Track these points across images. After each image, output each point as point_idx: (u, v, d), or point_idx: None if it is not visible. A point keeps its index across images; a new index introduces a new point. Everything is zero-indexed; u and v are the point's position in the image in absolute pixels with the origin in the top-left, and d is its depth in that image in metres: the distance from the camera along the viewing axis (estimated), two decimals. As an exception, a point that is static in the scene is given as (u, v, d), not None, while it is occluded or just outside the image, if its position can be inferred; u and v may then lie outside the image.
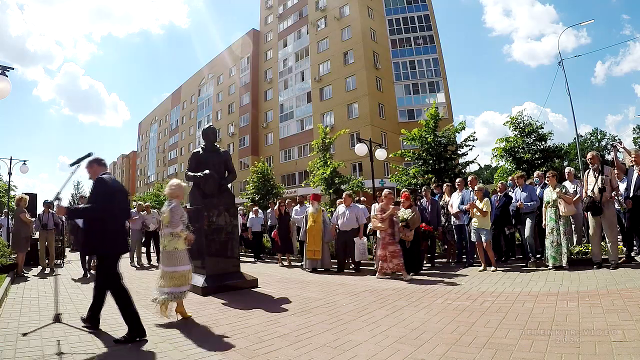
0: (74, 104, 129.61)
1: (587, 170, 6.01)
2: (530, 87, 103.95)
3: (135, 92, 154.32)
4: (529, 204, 6.56)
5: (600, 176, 5.67)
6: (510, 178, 8.47)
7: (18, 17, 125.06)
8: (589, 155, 5.98)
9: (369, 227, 7.50)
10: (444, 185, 8.26)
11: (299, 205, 9.61)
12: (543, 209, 6.28)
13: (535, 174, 7.83)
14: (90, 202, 3.55)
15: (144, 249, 10.52)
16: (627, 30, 79.99)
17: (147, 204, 11.59)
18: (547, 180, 6.35)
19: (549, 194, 6.15)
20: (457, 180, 7.83)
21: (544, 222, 6.21)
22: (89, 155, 3.74)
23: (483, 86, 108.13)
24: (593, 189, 5.68)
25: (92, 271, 7.50)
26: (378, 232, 6.66)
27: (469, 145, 11.41)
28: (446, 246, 8.28)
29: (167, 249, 4.09)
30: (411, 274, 6.26)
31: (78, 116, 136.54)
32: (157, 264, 9.89)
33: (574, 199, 6.16)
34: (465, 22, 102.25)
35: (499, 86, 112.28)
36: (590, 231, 5.88)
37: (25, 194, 9.22)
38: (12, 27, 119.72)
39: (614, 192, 5.74)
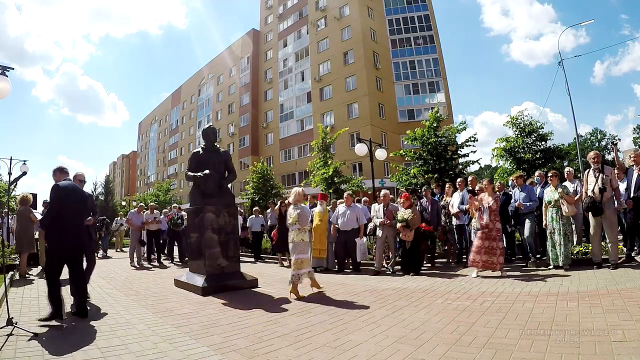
0: (73, 104, 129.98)
1: (587, 170, 5.99)
2: (529, 87, 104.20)
3: (134, 92, 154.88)
4: (527, 204, 6.55)
5: (600, 175, 5.65)
6: (511, 178, 8.47)
7: (16, 17, 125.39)
8: (591, 154, 5.93)
9: (369, 227, 7.50)
10: (446, 185, 8.25)
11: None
12: (543, 209, 6.26)
13: (537, 173, 7.82)
14: (49, 206, 4.29)
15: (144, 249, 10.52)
16: (626, 30, 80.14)
17: (151, 204, 11.70)
18: (549, 180, 6.33)
19: (550, 194, 6.13)
20: (458, 180, 7.82)
21: (544, 222, 6.20)
22: (24, 174, 5.09)
23: (481, 86, 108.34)
24: (593, 189, 5.66)
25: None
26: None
27: (470, 145, 11.42)
28: (446, 246, 8.28)
29: (296, 241, 5.24)
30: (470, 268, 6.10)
31: (77, 116, 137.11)
32: (157, 264, 9.92)
33: (575, 199, 6.15)
34: (463, 22, 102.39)
35: (498, 86, 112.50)
36: (591, 231, 5.86)
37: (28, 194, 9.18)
38: (10, 27, 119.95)
39: (614, 192, 5.72)
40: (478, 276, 5.84)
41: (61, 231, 4.02)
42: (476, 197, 6.33)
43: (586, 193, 5.80)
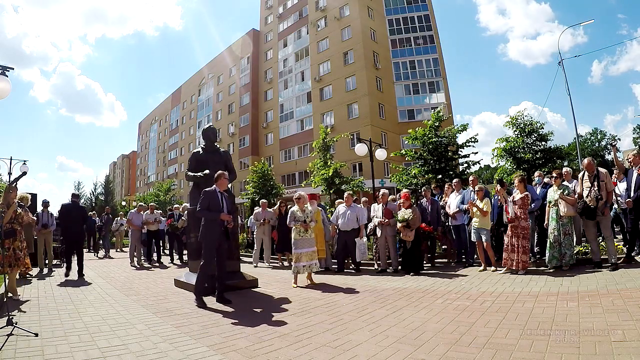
0: (70, 104, 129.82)
1: (583, 171, 6.00)
2: (527, 87, 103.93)
3: (132, 92, 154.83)
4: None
5: (596, 182, 5.65)
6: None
7: (13, 19, 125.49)
8: (585, 162, 5.95)
9: (369, 227, 7.50)
10: (446, 185, 8.25)
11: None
12: (547, 208, 6.26)
13: (537, 173, 7.82)
14: None
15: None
16: (624, 29, 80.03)
17: (151, 204, 11.68)
18: (553, 181, 6.33)
19: (552, 193, 6.13)
20: (454, 180, 7.82)
21: (545, 222, 6.20)
22: (24, 174, 5.65)
23: (479, 86, 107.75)
24: (589, 194, 5.66)
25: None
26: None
27: (470, 146, 11.42)
28: (445, 246, 8.27)
29: (303, 237, 6.07)
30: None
31: (75, 117, 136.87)
32: (157, 264, 9.91)
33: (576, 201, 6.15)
34: (459, 22, 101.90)
35: (495, 86, 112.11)
36: (586, 231, 5.90)
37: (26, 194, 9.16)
38: (7, 28, 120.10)
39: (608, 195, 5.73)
40: (497, 271, 6.09)
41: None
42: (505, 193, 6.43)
43: (580, 196, 5.81)
